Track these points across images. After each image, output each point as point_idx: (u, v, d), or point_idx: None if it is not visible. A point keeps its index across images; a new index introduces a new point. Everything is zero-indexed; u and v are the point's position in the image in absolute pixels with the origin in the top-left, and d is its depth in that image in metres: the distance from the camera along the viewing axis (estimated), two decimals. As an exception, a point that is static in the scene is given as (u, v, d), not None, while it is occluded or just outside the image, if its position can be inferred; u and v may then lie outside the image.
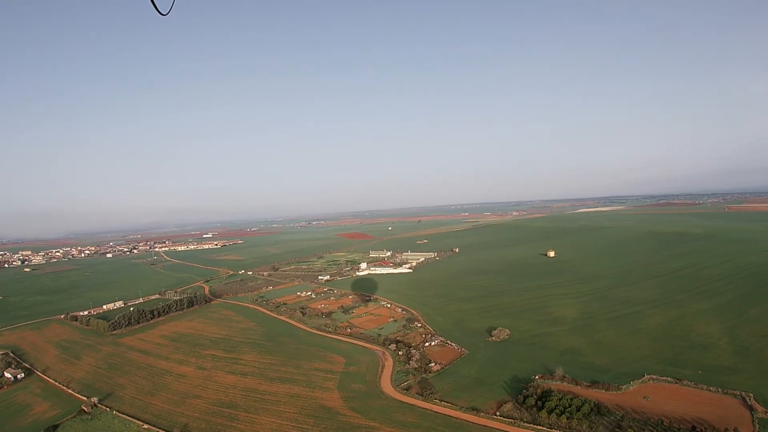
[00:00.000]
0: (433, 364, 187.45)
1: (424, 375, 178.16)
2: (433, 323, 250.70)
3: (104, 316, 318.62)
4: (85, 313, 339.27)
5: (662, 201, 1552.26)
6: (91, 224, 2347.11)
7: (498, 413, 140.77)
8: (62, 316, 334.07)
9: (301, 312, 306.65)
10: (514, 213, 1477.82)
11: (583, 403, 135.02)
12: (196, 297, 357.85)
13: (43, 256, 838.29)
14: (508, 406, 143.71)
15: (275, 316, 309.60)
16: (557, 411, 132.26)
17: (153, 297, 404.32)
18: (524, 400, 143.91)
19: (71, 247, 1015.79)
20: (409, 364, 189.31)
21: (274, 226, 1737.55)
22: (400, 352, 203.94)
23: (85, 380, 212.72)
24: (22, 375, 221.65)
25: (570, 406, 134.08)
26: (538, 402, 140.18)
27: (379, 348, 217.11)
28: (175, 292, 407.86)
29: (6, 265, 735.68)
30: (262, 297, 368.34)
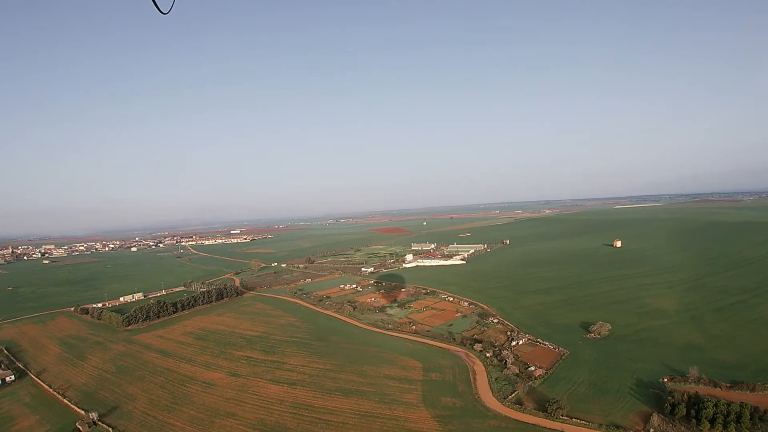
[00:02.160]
0: (532, 368, 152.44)
1: (530, 383, 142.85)
2: (511, 318, 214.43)
3: (119, 309, 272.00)
4: (99, 305, 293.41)
5: (697, 198, 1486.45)
6: (118, 222, 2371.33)
7: (650, 429, 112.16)
8: (72, 309, 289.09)
9: (351, 306, 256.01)
10: (547, 211, 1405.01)
11: (741, 409, 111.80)
12: (226, 289, 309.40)
13: (66, 249, 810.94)
14: (655, 419, 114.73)
15: (320, 310, 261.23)
16: (719, 421, 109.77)
17: (177, 289, 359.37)
18: (672, 409, 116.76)
19: (96, 242, 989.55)
20: (507, 368, 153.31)
21: (302, 223, 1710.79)
22: (488, 354, 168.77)
23: (87, 387, 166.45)
24: (12, 377, 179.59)
25: (729, 414, 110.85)
26: (691, 410, 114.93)
27: (459, 348, 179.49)
28: (202, 283, 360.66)
29: (26, 258, 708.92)
30: (300, 290, 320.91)
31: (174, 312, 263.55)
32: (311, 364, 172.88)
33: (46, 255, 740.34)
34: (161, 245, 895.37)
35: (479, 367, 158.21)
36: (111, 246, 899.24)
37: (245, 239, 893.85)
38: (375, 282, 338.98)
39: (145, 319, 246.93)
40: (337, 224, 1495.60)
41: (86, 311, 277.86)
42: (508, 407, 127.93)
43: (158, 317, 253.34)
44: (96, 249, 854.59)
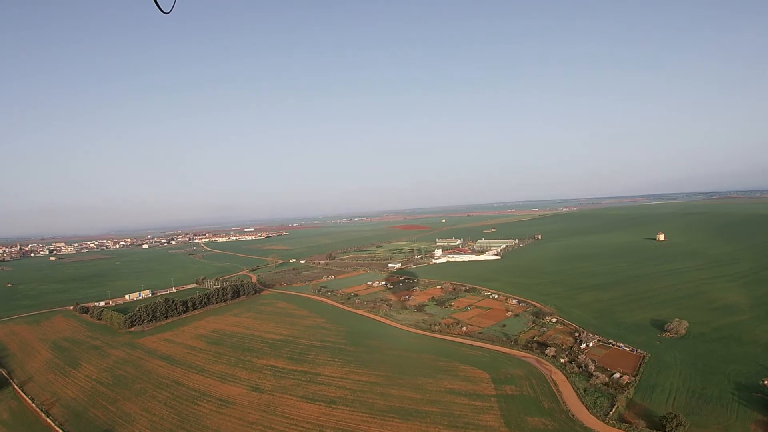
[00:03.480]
0: (617, 375, 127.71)
1: (625, 393, 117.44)
2: (571, 317, 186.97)
3: (123, 309, 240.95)
4: (101, 303, 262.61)
5: (715, 196, 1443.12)
6: (132, 222, 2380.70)
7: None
8: (71, 308, 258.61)
9: (386, 304, 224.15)
10: (564, 208, 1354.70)
11: None
12: (242, 285, 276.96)
13: (75, 247, 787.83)
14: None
15: (350, 309, 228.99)
16: None
17: (189, 286, 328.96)
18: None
19: (107, 240, 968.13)
20: (593, 377, 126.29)
21: (315, 222, 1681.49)
22: (562, 359, 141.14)
23: (76, 403, 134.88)
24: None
25: None
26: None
27: (525, 354, 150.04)
28: (216, 280, 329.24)
29: (32, 255, 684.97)
30: (324, 287, 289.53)
31: (184, 311, 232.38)
32: (351, 375, 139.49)
33: (54, 252, 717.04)
34: (173, 242, 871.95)
35: (558, 376, 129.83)
36: (122, 243, 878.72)
37: (260, 236, 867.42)
38: (405, 278, 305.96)
39: (151, 320, 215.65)
40: (351, 222, 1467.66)
41: (86, 310, 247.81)
42: (614, 426, 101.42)
43: (166, 317, 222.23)
44: (107, 246, 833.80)
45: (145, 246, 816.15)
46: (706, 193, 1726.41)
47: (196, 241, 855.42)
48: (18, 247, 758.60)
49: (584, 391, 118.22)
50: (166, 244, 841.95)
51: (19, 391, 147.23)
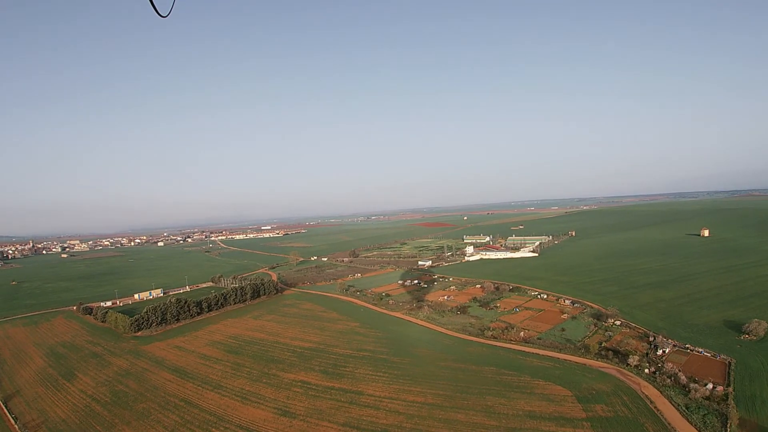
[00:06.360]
0: (709, 386, 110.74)
1: (729, 408, 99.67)
2: (636, 319, 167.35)
3: (132, 309, 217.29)
4: (107, 303, 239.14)
5: (736, 195, 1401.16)
6: (149, 221, 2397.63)
7: None
8: (74, 308, 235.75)
9: (427, 306, 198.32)
10: (584, 207, 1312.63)
11: None
12: (263, 284, 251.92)
13: (89, 244, 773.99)
14: None
15: (385, 311, 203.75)
16: None
17: (204, 285, 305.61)
18: None
19: (123, 238, 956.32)
20: (693, 390, 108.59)
21: (332, 220, 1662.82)
22: (647, 370, 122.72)
23: (66, 426, 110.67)
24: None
25: None
26: None
27: (602, 363, 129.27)
28: (234, 278, 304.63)
29: (44, 252, 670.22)
30: (352, 286, 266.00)
31: (198, 313, 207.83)
32: (401, 394, 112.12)
33: (67, 249, 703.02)
34: (189, 240, 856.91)
35: (650, 390, 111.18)
36: (137, 241, 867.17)
37: (278, 234, 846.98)
38: (439, 277, 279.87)
39: (160, 323, 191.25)
40: (368, 221, 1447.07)
41: (89, 311, 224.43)
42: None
43: (177, 320, 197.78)
44: (121, 244, 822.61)
45: (161, 243, 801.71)
46: (727, 191, 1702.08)
47: (213, 238, 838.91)
48: (30, 244, 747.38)
49: (687, 408, 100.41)
50: (181, 242, 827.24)
51: (3, 407, 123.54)
